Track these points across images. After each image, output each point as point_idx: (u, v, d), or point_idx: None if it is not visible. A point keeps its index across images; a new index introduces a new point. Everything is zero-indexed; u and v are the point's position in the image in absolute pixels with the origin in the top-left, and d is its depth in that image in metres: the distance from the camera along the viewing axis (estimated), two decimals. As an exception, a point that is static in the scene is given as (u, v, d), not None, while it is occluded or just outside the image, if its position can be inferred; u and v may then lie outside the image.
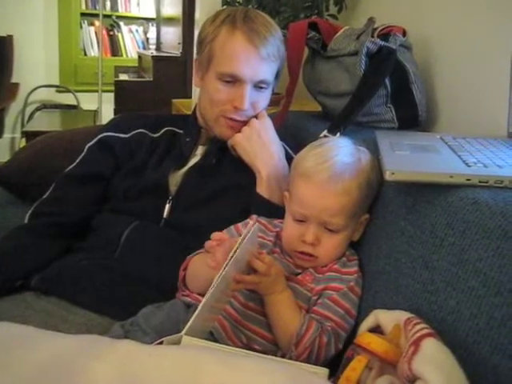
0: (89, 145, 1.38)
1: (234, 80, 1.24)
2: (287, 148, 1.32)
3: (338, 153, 1.04)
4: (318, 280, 1.01)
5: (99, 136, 1.38)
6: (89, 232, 1.30)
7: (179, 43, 3.67)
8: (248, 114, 1.28)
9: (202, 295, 1.04)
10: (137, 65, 4.63)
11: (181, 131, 1.39)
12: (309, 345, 0.92)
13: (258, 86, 1.26)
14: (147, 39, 5.29)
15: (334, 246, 1.03)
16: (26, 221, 1.31)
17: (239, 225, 1.14)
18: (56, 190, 1.35)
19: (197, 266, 1.07)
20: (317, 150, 1.07)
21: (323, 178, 1.00)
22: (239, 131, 1.28)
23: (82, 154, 1.37)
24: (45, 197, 1.34)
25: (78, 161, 1.37)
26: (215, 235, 0.97)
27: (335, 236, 1.02)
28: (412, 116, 1.36)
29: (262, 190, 1.23)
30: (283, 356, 0.95)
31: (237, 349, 0.86)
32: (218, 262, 0.90)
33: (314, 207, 1.01)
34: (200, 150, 1.36)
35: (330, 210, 1.00)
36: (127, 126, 1.39)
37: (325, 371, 0.79)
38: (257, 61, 1.23)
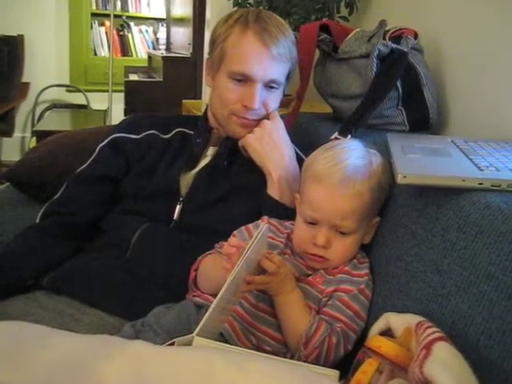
0: (101, 145, 1.39)
1: (244, 79, 1.24)
2: (297, 150, 1.32)
3: (350, 156, 1.04)
4: (329, 282, 1.01)
5: (111, 137, 1.39)
6: (100, 232, 1.31)
7: (189, 44, 3.67)
8: (259, 113, 1.28)
9: (213, 296, 1.06)
10: (147, 65, 4.64)
11: (191, 132, 1.39)
12: (318, 345, 0.92)
13: (269, 85, 1.26)
14: (157, 39, 5.30)
15: (345, 249, 1.03)
16: (37, 221, 1.32)
17: (250, 226, 1.14)
18: (67, 190, 1.36)
19: (208, 267, 1.08)
20: (328, 152, 1.07)
21: (334, 181, 1.00)
22: (251, 130, 1.28)
23: (94, 155, 1.38)
24: (56, 197, 1.35)
25: (89, 161, 1.37)
26: (233, 241, 0.97)
27: (346, 239, 1.02)
28: (423, 119, 1.36)
29: (273, 191, 1.23)
30: (292, 357, 0.95)
31: (247, 350, 0.86)
32: (234, 265, 0.90)
33: (325, 210, 1.01)
34: (211, 151, 1.36)
35: (342, 213, 1.00)
36: (138, 126, 1.40)
37: (335, 373, 0.79)
38: (268, 60, 1.23)
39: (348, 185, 1.00)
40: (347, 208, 1.00)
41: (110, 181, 1.35)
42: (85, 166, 1.37)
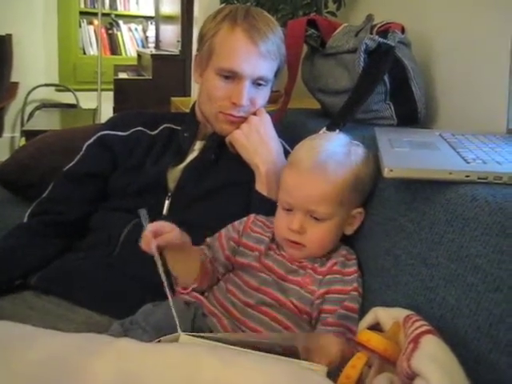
0: (88, 143, 1.38)
1: (232, 76, 1.24)
2: (285, 145, 1.32)
3: (328, 144, 1.06)
4: (319, 282, 1.01)
5: (98, 134, 1.38)
6: (88, 230, 1.30)
7: (178, 41, 3.67)
8: (246, 110, 1.27)
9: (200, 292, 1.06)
10: (136, 63, 4.64)
11: (178, 128, 1.38)
12: None
13: (257, 82, 1.26)
14: (146, 38, 5.30)
15: (321, 235, 1.03)
16: (25, 220, 1.31)
17: (235, 223, 1.14)
18: (55, 188, 1.35)
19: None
20: (308, 141, 1.09)
21: (307, 166, 1.01)
22: (238, 127, 1.27)
23: (81, 153, 1.37)
24: (44, 196, 1.34)
25: (76, 159, 1.36)
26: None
27: (321, 225, 1.02)
28: (411, 113, 1.36)
29: (261, 186, 1.23)
30: None
31: (235, 335, 0.86)
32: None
33: (298, 195, 1.02)
34: (198, 145, 1.35)
35: (313, 197, 1.01)
36: (126, 124, 1.39)
37: (323, 368, 0.79)
38: (256, 57, 1.23)
39: (320, 169, 1.01)
40: (319, 193, 1.01)
41: (97, 178, 1.34)
42: (72, 164, 1.36)
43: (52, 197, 1.34)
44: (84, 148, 1.38)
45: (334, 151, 1.03)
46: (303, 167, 1.02)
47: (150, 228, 0.96)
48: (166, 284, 0.87)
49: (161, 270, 0.89)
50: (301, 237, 1.02)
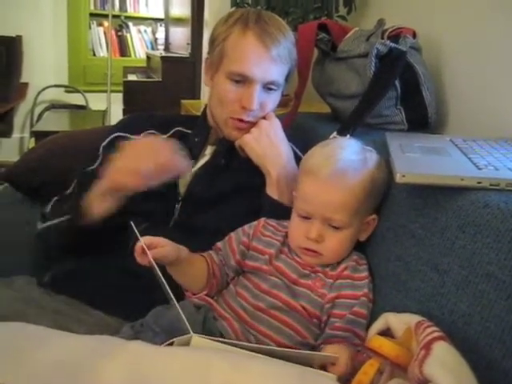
0: (103, 145, 1.36)
1: (243, 80, 1.24)
2: (295, 148, 1.32)
3: (344, 151, 1.05)
4: (329, 286, 1.01)
5: (112, 136, 1.37)
6: (100, 233, 1.30)
7: (188, 44, 3.68)
8: (256, 114, 1.27)
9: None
10: (145, 65, 4.65)
11: (190, 131, 1.39)
12: None
13: (268, 87, 1.26)
14: (156, 39, 5.31)
15: (338, 243, 1.02)
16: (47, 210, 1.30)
17: (245, 227, 1.14)
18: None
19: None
20: (323, 148, 1.08)
21: (326, 174, 1.01)
22: (247, 132, 1.28)
23: (100, 155, 1.35)
24: (69, 191, 1.33)
25: (98, 162, 1.34)
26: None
27: (339, 233, 1.02)
28: (422, 118, 1.36)
29: (272, 190, 1.23)
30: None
31: (248, 344, 0.86)
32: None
33: (316, 203, 1.01)
34: (209, 150, 1.35)
35: (333, 205, 1.00)
36: (138, 126, 1.38)
37: (333, 375, 0.80)
38: (267, 61, 1.23)
39: (339, 178, 1.00)
40: (338, 201, 1.00)
41: None
42: (97, 164, 1.33)
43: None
44: (101, 150, 1.36)
45: (351, 159, 1.03)
46: (322, 175, 1.01)
47: (142, 241, 0.97)
48: (169, 291, 0.88)
49: (161, 278, 0.90)
50: (318, 245, 1.02)
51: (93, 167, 1.34)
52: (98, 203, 1.15)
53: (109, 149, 1.35)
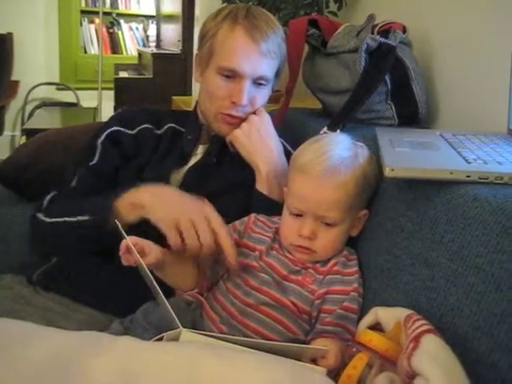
0: (100, 140, 1.33)
1: (233, 75, 1.23)
2: (285, 144, 1.32)
3: (335, 147, 1.04)
4: (319, 282, 1.01)
5: (108, 130, 1.34)
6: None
7: (179, 40, 3.67)
8: (246, 110, 1.27)
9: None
10: (137, 62, 4.63)
11: (182, 129, 1.38)
12: None
13: (258, 82, 1.25)
14: (147, 37, 5.29)
15: (331, 240, 1.02)
16: (44, 203, 1.26)
17: (236, 223, 1.13)
18: (81, 181, 1.29)
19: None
20: (314, 144, 1.07)
21: (319, 172, 1.00)
22: (237, 127, 1.27)
23: (99, 149, 1.33)
24: (73, 185, 1.29)
25: (98, 155, 1.32)
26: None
27: (332, 230, 1.02)
28: (412, 113, 1.36)
29: (262, 186, 1.22)
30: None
31: (239, 338, 0.86)
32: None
33: (309, 201, 1.01)
34: (201, 149, 1.35)
35: (326, 203, 1.00)
36: (132, 121, 1.36)
37: (323, 369, 0.79)
38: (257, 56, 1.22)
39: (332, 175, 1.00)
40: (331, 198, 1.00)
41: (113, 176, 1.30)
42: (96, 160, 1.31)
43: (79, 189, 1.28)
44: (98, 145, 1.33)
45: (343, 156, 1.03)
46: (314, 173, 1.00)
47: (126, 243, 0.95)
48: (157, 287, 0.87)
49: (150, 276, 0.89)
50: (311, 242, 1.01)
51: (93, 162, 1.32)
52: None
53: (107, 144, 1.33)
